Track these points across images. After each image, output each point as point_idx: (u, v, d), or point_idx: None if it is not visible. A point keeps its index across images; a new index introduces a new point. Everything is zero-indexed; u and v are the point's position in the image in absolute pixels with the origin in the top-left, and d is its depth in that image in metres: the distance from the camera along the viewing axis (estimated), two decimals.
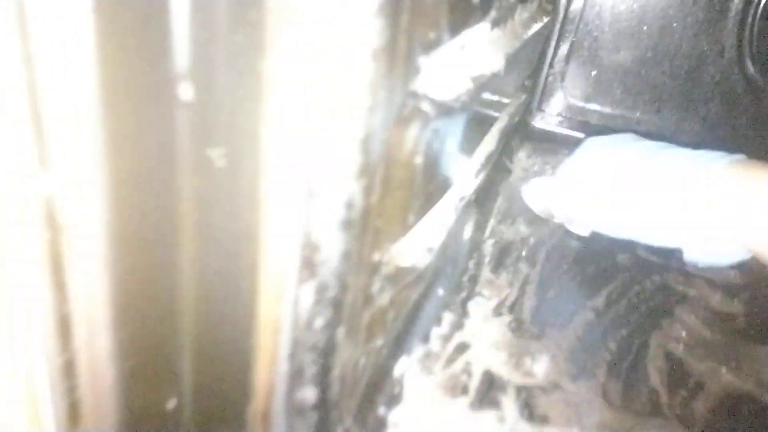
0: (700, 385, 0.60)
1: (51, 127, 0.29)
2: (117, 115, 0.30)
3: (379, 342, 0.46)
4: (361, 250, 0.36)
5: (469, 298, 0.67)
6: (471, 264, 0.73)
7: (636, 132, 1.12)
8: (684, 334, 0.68)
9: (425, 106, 0.36)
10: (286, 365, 0.37)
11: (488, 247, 0.79)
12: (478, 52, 0.48)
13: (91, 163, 0.30)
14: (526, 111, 1.15)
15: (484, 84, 0.49)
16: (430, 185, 0.45)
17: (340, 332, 0.37)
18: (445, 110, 0.40)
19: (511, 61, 0.91)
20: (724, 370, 0.63)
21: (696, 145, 1.08)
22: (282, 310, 0.35)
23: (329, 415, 0.41)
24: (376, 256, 0.40)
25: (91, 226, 0.31)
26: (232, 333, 0.37)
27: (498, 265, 0.75)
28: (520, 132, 1.14)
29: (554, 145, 1.16)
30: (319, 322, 0.36)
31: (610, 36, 1.08)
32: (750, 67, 1.00)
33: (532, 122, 1.16)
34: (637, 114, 1.11)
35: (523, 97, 1.10)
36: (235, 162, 0.32)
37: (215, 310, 0.36)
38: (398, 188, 0.38)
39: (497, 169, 1.00)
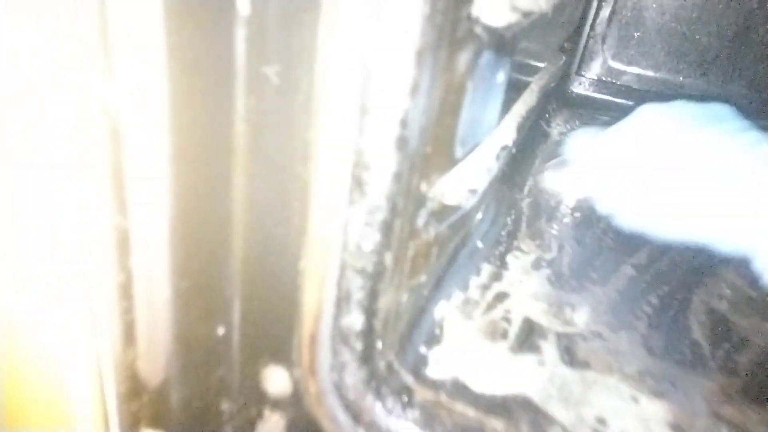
0: (743, 340, 0.59)
1: (117, 41, 0.30)
2: (179, 30, 0.30)
3: (422, 278, 0.47)
4: (411, 176, 0.36)
5: (507, 251, 0.67)
6: (509, 220, 0.73)
7: (679, 97, 1.09)
8: (728, 291, 0.66)
9: (478, 30, 0.36)
10: (335, 290, 0.38)
11: (526, 204, 0.78)
12: None
13: (153, 77, 0.31)
14: (565, 76, 1.13)
15: (531, 23, 0.48)
16: (477, 119, 0.45)
17: (388, 258, 0.37)
18: (496, 39, 0.39)
19: (554, 14, 0.89)
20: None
21: (742, 109, 1.06)
22: (332, 231, 0.35)
23: (373, 345, 0.41)
24: (423, 187, 0.40)
25: (151, 141, 0.32)
26: (282, 256, 0.38)
27: (535, 222, 0.74)
28: (558, 97, 1.12)
29: (592, 111, 1.14)
30: (368, 246, 0.36)
31: None
32: None
33: (571, 87, 1.14)
34: (681, 78, 1.07)
35: (563, 60, 1.07)
36: (289, 79, 0.32)
37: (266, 231, 0.37)
38: (449, 113, 0.38)
39: (535, 132, 0.99)
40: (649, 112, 0.74)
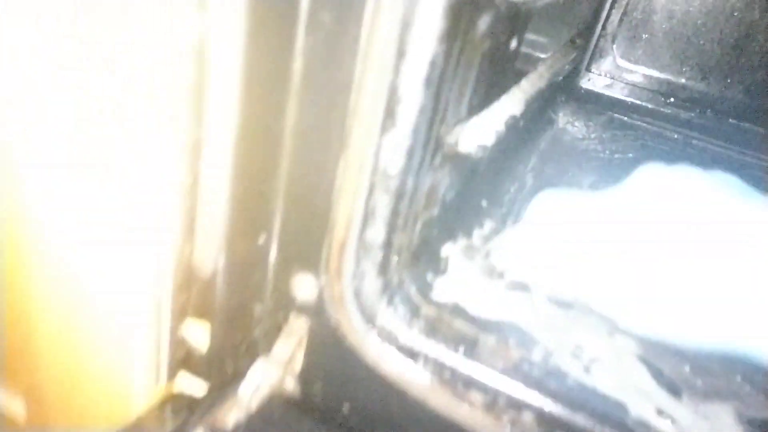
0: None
1: None
2: None
3: (434, 212, 0.54)
4: (434, 115, 0.43)
5: (508, 214, 0.74)
6: (512, 189, 0.81)
7: (680, 98, 1.17)
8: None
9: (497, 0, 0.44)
10: (363, 206, 0.46)
11: (529, 178, 0.85)
12: None
13: (235, 14, 0.39)
14: (575, 71, 1.20)
15: (544, 5, 0.56)
16: (492, 79, 0.52)
17: (410, 182, 0.45)
18: (512, 10, 0.47)
19: (566, 6, 0.96)
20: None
21: (738, 113, 1.13)
22: (365, 155, 0.43)
23: (390, 259, 0.49)
24: (443, 130, 0.48)
25: (228, 66, 0.40)
26: (321, 175, 0.46)
27: (534, 194, 0.81)
28: (567, 91, 1.20)
29: (598, 107, 1.22)
30: (393, 169, 0.44)
31: (663, 2, 1.11)
32: None
33: (580, 82, 1.21)
34: (683, 80, 1.15)
35: (573, 55, 1.15)
36: (341, 24, 0.40)
37: (310, 152, 0.45)
38: (468, 67, 0.45)
39: (542, 117, 1.06)
40: (645, 177, 0.67)
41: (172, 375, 0.55)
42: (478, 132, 0.56)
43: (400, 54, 0.40)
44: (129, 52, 0.41)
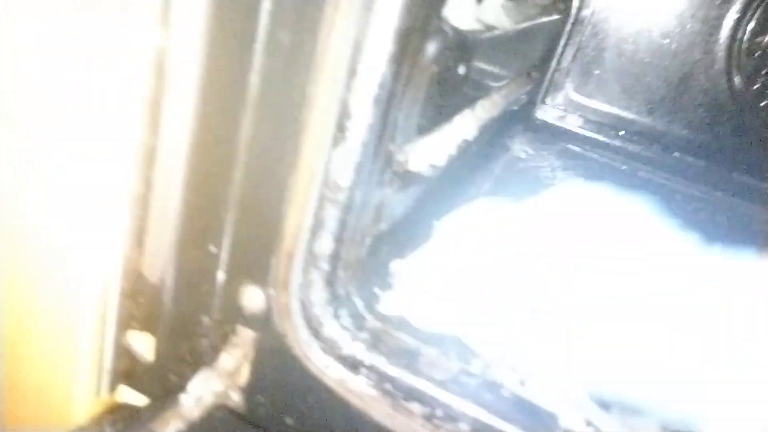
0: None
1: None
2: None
3: (382, 227, 0.56)
4: (383, 132, 0.46)
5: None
6: (462, 210, 0.83)
7: (628, 131, 1.23)
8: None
9: (446, 28, 0.46)
10: (312, 218, 0.47)
11: (480, 201, 0.89)
12: (492, 9, 0.59)
13: (197, 27, 0.40)
14: (530, 102, 1.25)
15: (490, 38, 0.60)
16: (442, 101, 0.55)
17: (358, 195, 0.47)
18: (460, 38, 0.50)
19: (518, 40, 1.01)
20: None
21: (683, 148, 1.20)
22: (317, 166, 0.45)
23: (337, 270, 0.50)
24: (392, 148, 0.50)
25: (185, 78, 0.41)
26: (273, 187, 0.47)
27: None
28: (523, 120, 1.25)
29: (552, 137, 1.27)
30: (343, 182, 0.45)
31: (614, 41, 1.18)
32: (736, 79, 1.11)
33: (535, 113, 1.27)
34: (632, 114, 1.21)
35: (529, 87, 1.20)
36: (297, 44, 0.42)
37: (262, 165, 0.46)
38: (416, 88, 0.48)
39: (498, 145, 1.10)
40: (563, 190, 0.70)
41: (114, 386, 0.54)
42: (430, 152, 0.58)
43: (351, 73, 0.42)
44: (89, 57, 0.42)
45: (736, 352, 0.58)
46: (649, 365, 0.57)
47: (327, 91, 0.43)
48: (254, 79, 0.44)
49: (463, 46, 0.51)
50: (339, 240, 0.48)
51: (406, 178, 0.56)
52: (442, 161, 0.61)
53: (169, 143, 0.43)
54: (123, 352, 0.51)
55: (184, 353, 0.54)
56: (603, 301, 0.61)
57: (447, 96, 0.57)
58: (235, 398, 0.56)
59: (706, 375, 0.56)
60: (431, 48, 0.46)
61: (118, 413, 0.51)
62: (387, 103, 0.44)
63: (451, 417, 0.49)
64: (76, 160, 0.44)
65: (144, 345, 0.51)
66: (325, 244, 0.48)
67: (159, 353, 0.52)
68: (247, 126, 0.45)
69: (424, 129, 0.55)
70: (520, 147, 1.20)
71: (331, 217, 0.47)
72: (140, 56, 0.40)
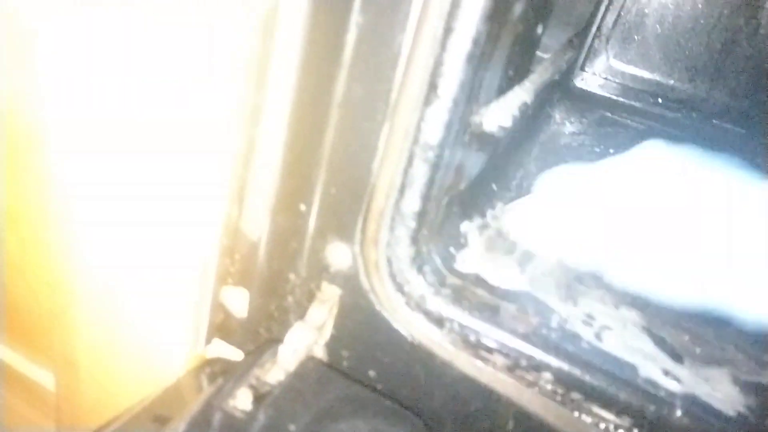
0: None
1: None
2: None
3: (461, 187, 0.58)
4: (471, 90, 0.47)
5: (516, 198, 0.78)
6: (518, 175, 0.85)
7: (668, 98, 1.23)
8: None
9: None
10: (402, 176, 0.49)
11: (532, 167, 0.90)
12: None
13: None
14: (570, 70, 1.25)
15: None
16: (518, 63, 0.56)
17: (446, 153, 0.48)
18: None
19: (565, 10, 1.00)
20: None
21: (722, 115, 1.19)
22: (410, 124, 0.46)
23: (421, 229, 0.52)
24: (475, 107, 0.51)
25: (293, 38, 0.43)
26: (364, 147, 0.48)
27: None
28: (562, 89, 1.24)
29: (591, 105, 1.27)
30: (433, 140, 0.47)
31: (655, 6, 1.17)
32: None
33: (574, 81, 1.27)
34: (672, 81, 1.21)
35: (570, 54, 1.20)
36: (394, 2, 0.43)
37: (354, 124, 0.48)
38: (502, 48, 0.49)
39: (541, 113, 1.11)
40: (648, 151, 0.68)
41: (209, 340, 0.57)
42: (500, 113, 0.59)
43: (448, 30, 0.43)
44: (196, 15, 0.43)
45: None
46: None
47: (422, 49, 0.44)
48: (350, 37, 0.45)
49: (541, 4, 0.52)
50: (425, 198, 0.50)
51: (482, 138, 0.57)
52: (508, 122, 0.62)
53: (273, 102, 0.44)
54: (218, 307, 0.53)
55: (272, 309, 0.56)
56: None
57: (524, 56, 0.57)
58: (320, 353, 0.58)
59: None
60: (518, 6, 0.47)
61: (215, 367, 0.54)
62: (478, 62, 0.45)
63: (534, 367, 0.51)
64: (183, 116, 0.45)
65: (238, 301, 0.54)
66: (413, 202, 0.50)
67: (252, 308, 0.54)
68: (341, 84, 0.47)
69: (501, 89, 0.56)
70: (559, 115, 1.20)
71: (421, 175, 0.48)
72: (250, 16, 0.41)
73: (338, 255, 0.54)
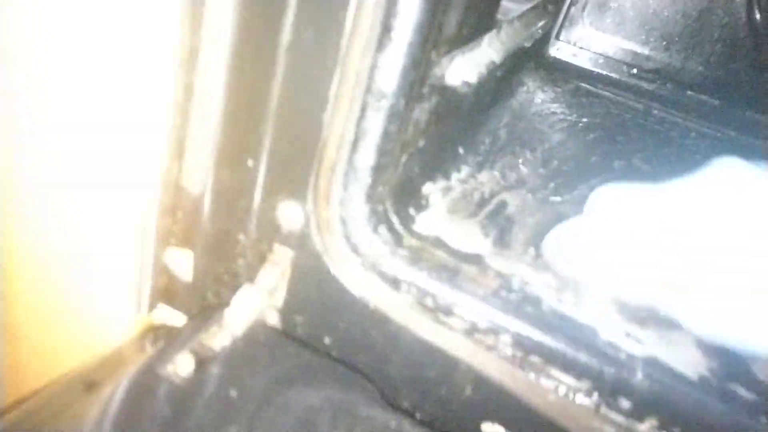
0: None
1: None
2: None
3: (419, 144, 0.55)
4: (429, 34, 0.44)
5: (484, 162, 0.76)
6: (488, 141, 0.82)
7: (643, 69, 1.21)
8: None
9: None
10: (354, 128, 0.46)
11: (503, 133, 0.87)
12: None
13: None
14: (544, 38, 1.22)
15: None
16: (480, 10, 0.53)
17: (401, 105, 0.45)
18: None
19: None
20: None
21: (698, 85, 1.18)
22: (362, 71, 0.43)
23: (377, 185, 0.49)
24: (433, 56, 0.48)
25: None
26: (313, 96, 0.45)
27: (508, 146, 0.83)
28: (536, 58, 1.22)
29: (567, 75, 1.25)
30: (388, 89, 0.44)
31: None
32: (756, 14, 1.08)
33: (549, 50, 1.24)
34: (647, 50, 1.19)
35: (545, 20, 1.17)
36: None
37: (303, 72, 0.44)
38: None
39: (514, 80, 1.08)
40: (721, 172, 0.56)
41: (153, 305, 0.54)
42: (464, 67, 0.56)
43: None
44: None
45: None
46: None
47: None
48: None
49: None
50: (380, 152, 0.47)
51: (442, 92, 0.54)
52: (473, 78, 0.59)
53: (210, 44, 0.41)
54: (162, 270, 0.50)
55: (221, 272, 0.54)
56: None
57: (484, 7, 0.54)
58: (273, 318, 0.55)
59: None
60: None
61: (159, 332, 0.51)
62: (434, 3, 0.42)
63: (493, 330, 0.49)
64: (112, 62, 0.42)
65: (182, 263, 0.51)
66: (367, 156, 0.47)
67: (197, 271, 0.51)
68: (288, 27, 0.43)
69: (462, 42, 0.53)
70: (534, 84, 1.17)
71: (375, 126, 0.45)
72: None
73: (290, 214, 0.51)
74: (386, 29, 0.42)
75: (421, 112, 0.51)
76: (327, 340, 0.55)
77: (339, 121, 0.45)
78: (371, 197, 0.50)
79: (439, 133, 0.61)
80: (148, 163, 0.45)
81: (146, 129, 0.44)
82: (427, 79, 0.50)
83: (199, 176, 0.46)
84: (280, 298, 0.55)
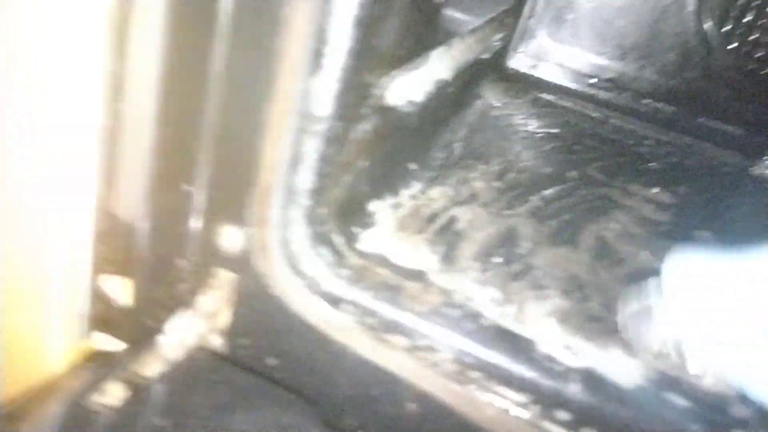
0: (621, 258, 0.71)
1: None
2: None
3: (363, 164, 0.55)
4: (362, 59, 0.44)
5: (436, 178, 0.76)
6: (441, 156, 0.83)
7: (601, 78, 1.23)
8: (615, 226, 0.79)
9: None
10: (290, 151, 0.46)
11: (458, 147, 0.88)
12: None
13: None
14: (502, 50, 1.24)
15: None
16: (418, 32, 0.54)
17: (337, 128, 0.46)
18: None
19: None
20: (643, 253, 0.75)
21: (653, 94, 1.21)
22: (293, 95, 0.43)
23: (317, 207, 0.50)
24: (371, 79, 0.48)
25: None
26: (248, 121, 0.45)
27: (463, 161, 0.84)
28: (495, 69, 1.23)
29: (524, 86, 1.27)
30: (321, 112, 0.44)
31: None
32: (705, 23, 1.11)
33: (507, 62, 1.26)
34: (604, 60, 1.21)
35: (502, 34, 1.18)
36: None
37: (237, 97, 0.45)
38: (395, 14, 0.46)
39: (470, 92, 1.09)
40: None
41: (90, 333, 0.53)
42: (407, 87, 0.57)
43: None
44: None
45: None
46: None
47: (303, 15, 0.41)
48: (225, 3, 0.42)
49: None
50: (319, 175, 0.47)
51: (384, 112, 0.55)
52: (419, 97, 0.60)
53: (138, 71, 0.41)
54: (98, 298, 0.50)
55: (162, 298, 0.53)
56: None
57: (424, 25, 0.55)
58: (217, 342, 0.55)
59: None
60: None
61: (95, 360, 0.50)
62: (366, 28, 0.42)
63: (434, 347, 0.50)
64: (37, 90, 0.41)
65: (120, 290, 0.50)
66: (305, 179, 0.47)
67: (137, 298, 0.51)
68: (220, 53, 0.43)
69: (401, 61, 0.54)
70: (492, 96, 1.19)
71: (311, 150, 0.46)
72: None
73: (230, 238, 0.51)
74: (318, 55, 0.42)
75: (362, 132, 0.52)
76: (272, 362, 0.55)
77: (274, 145, 0.45)
78: (312, 219, 0.50)
79: (385, 151, 0.62)
80: (79, 190, 0.44)
81: (76, 155, 0.43)
82: (366, 100, 0.50)
83: (132, 204, 0.46)
84: (224, 321, 0.55)
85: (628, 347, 0.53)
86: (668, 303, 0.52)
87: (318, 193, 0.49)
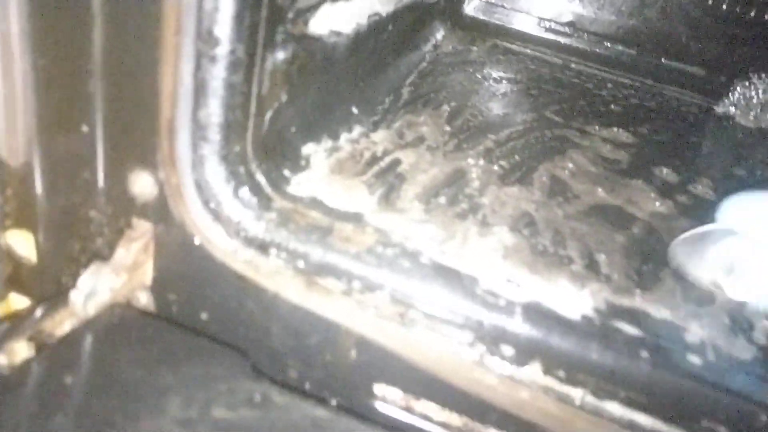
0: (576, 195, 0.69)
1: None
2: None
3: (283, 98, 0.51)
4: None
5: (381, 122, 0.73)
6: (387, 100, 0.79)
7: (558, 22, 1.20)
8: (571, 165, 0.76)
9: None
10: (191, 79, 0.41)
11: (406, 92, 0.84)
12: None
13: None
14: None
15: None
16: None
17: (240, 50, 0.41)
18: None
19: None
20: (599, 190, 0.72)
21: (612, 36, 1.17)
22: (184, 13, 0.39)
23: (232, 144, 0.45)
24: (285, 3, 0.44)
25: None
26: (140, 47, 0.41)
27: (410, 104, 0.80)
28: (451, 16, 1.19)
29: (483, 33, 1.22)
30: (221, 34, 0.40)
31: None
32: None
33: (464, 9, 1.21)
34: (563, 2, 1.17)
35: None
36: None
37: (124, 18, 0.40)
38: None
39: (421, 36, 1.05)
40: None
41: (3, 296, 0.49)
42: (334, 17, 0.53)
43: None
44: None
45: None
46: None
47: None
48: None
49: None
50: (228, 106, 0.43)
51: (304, 41, 0.51)
52: (347, 29, 0.55)
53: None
54: (6, 255, 0.45)
55: (75, 253, 0.49)
56: None
57: None
58: (144, 299, 0.51)
59: None
60: None
61: (9, 321, 0.46)
62: None
63: (369, 287, 0.47)
64: None
65: (24, 245, 0.46)
66: (213, 112, 0.43)
67: (42, 253, 0.47)
68: None
69: None
70: (447, 42, 1.15)
71: (214, 77, 0.41)
72: None
73: (142, 184, 0.47)
74: None
75: (279, 63, 0.48)
76: (204, 317, 0.51)
77: (172, 72, 0.41)
78: (227, 158, 0.46)
79: (316, 89, 0.58)
80: None
81: None
82: (279, 24, 0.46)
83: (20, 147, 0.41)
84: (148, 275, 0.51)
85: (575, 279, 0.51)
86: (722, 233, 0.55)
87: (230, 128, 0.44)
